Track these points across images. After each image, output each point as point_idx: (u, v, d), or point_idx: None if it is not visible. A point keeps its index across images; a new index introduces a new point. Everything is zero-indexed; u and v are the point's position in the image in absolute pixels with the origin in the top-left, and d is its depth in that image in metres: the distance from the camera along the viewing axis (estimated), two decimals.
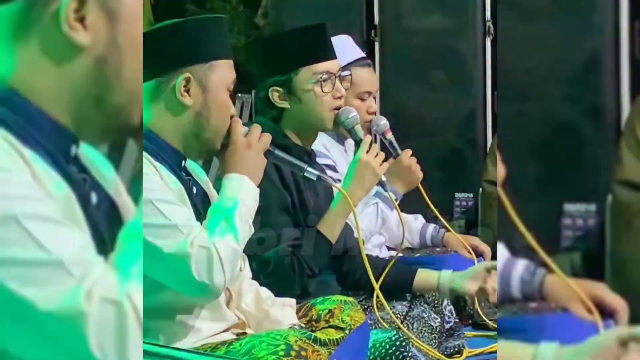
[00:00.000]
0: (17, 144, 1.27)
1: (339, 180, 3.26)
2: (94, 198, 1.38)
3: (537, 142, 2.76)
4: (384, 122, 3.33)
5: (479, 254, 3.49)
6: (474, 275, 2.91)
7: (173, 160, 2.19)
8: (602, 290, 1.78)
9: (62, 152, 1.34)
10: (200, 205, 2.20)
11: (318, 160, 3.15)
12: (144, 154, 2.14)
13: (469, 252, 3.40)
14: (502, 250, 1.75)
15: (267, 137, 2.29)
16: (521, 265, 1.81)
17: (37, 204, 1.23)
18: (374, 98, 3.44)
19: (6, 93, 1.29)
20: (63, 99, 1.32)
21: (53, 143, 1.32)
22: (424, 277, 2.92)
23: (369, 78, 3.41)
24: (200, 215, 2.17)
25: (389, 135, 3.31)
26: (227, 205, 2.15)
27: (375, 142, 3.00)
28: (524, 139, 2.74)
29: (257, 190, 2.23)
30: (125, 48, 1.32)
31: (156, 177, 2.11)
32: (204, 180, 2.33)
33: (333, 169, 3.32)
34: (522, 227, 1.69)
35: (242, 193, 2.17)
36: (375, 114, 3.39)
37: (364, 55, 3.48)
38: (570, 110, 2.95)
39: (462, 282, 2.90)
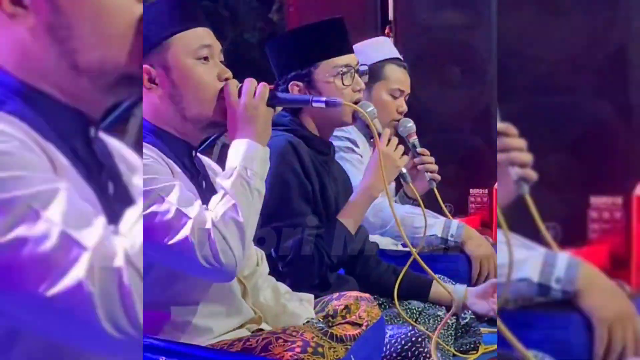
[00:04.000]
0: (38, 138, 1.27)
1: (361, 156, 3.26)
2: (110, 188, 1.36)
3: (564, 134, 2.73)
4: (410, 124, 3.38)
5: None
6: (483, 294, 2.93)
7: (183, 152, 2.14)
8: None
9: (80, 136, 1.32)
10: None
11: (336, 133, 3.12)
12: (151, 150, 2.08)
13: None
14: (502, 249, 1.67)
15: (264, 87, 2.15)
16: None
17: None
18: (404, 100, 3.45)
19: (17, 86, 1.29)
20: (52, 77, 1.31)
21: (70, 129, 1.30)
22: (439, 291, 2.93)
23: (403, 78, 3.45)
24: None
25: (413, 139, 3.37)
26: (225, 178, 2.03)
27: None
28: (550, 131, 2.72)
29: (265, 150, 2.10)
30: (72, 9, 1.31)
31: (158, 165, 2.02)
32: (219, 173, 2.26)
33: (354, 143, 3.33)
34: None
35: (242, 159, 2.04)
36: (403, 114, 3.40)
37: (401, 57, 3.49)
38: (597, 103, 2.93)
39: (473, 301, 2.92)
